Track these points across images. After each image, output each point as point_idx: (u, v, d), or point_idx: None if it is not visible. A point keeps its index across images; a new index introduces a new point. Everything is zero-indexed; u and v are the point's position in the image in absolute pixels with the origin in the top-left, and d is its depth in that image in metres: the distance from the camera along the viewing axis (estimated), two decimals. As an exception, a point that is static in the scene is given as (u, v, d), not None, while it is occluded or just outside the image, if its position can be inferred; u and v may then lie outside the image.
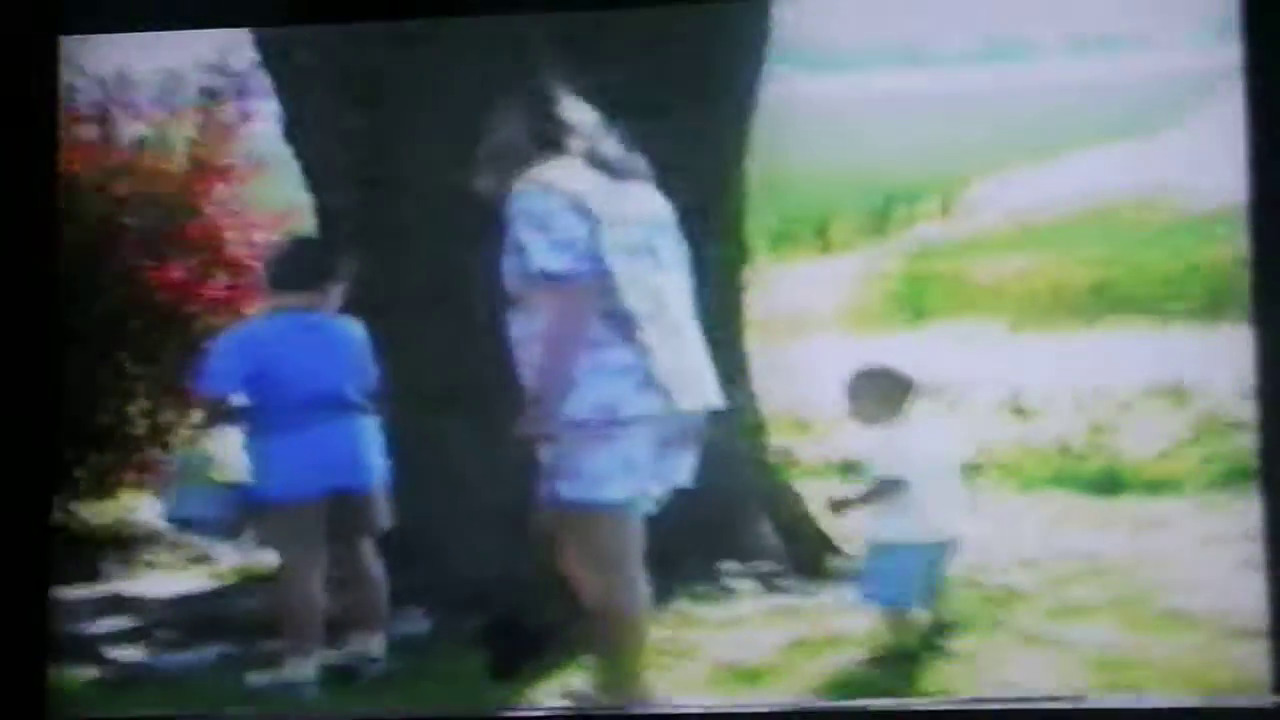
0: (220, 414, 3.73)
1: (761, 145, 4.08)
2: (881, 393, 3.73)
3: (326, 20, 3.80)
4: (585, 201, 3.29)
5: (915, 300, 4.74)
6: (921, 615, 3.70)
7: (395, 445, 3.79)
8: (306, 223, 4.06)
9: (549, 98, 3.47)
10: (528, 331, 3.34)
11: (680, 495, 3.51)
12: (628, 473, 3.28)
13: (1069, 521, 4.16)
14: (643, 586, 3.35)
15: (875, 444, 3.71)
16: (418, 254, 3.97)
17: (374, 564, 3.77)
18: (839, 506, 3.78)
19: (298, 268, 3.78)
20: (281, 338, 3.71)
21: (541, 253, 3.26)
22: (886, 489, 3.65)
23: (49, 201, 3.66)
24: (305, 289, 3.73)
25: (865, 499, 3.69)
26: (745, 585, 3.99)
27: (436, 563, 3.90)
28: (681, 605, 3.86)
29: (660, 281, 3.37)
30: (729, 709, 3.36)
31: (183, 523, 3.80)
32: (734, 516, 4.09)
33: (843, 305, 4.75)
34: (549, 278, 3.26)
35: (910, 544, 3.66)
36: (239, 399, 3.70)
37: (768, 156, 4.08)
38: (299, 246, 3.97)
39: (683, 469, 3.45)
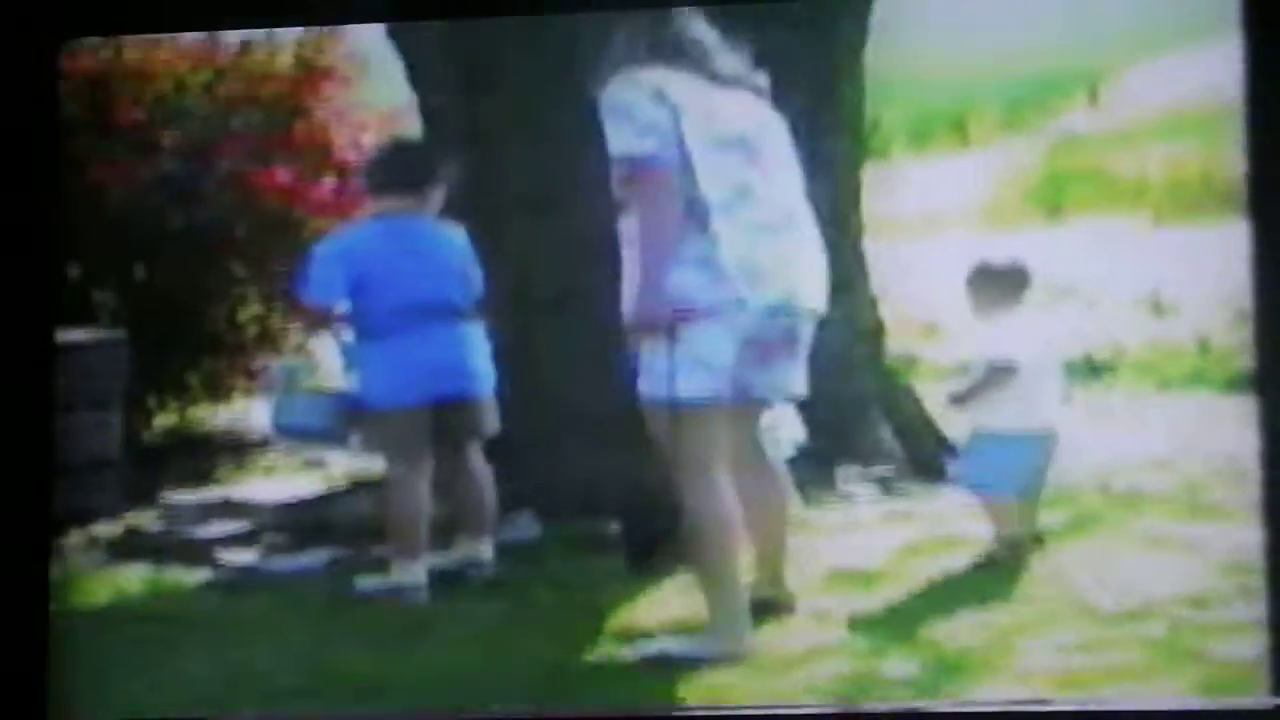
0: (324, 322, 3.72)
1: (896, 38, 3.95)
2: (998, 286, 3.66)
3: (327, 21, 3.76)
4: (667, 92, 3.23)
5: (1054, 195, 4.60)
6: (1025, 508, 3.62)
7: (503, 350, 3.75)
8: (413, 124, 4.00)
9: (669, 13, 3.40)
10: (628, 231, 3.28)
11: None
12: (703, 371, 3.21)
13: (1206, 422, 4.01)
14: (726, 491, 3.27)
15: (988, 335, 3.65)
16: (522, 156, 3.91)
17: (481, 469, 3.74)
18: (958, 399, 3.69)
19: (398, 172, 3.75)
20: (383, 243, 3.68)
21: (623, 139, 3.19)
22: (997, 375, 3.60)
23: (51, 202, 3.64)
24: (406, 193, 3.70)
25: (979, 387, 3.61)
26: (862, 490, 3.91)
27: (547, 467, 3.86)
28: (797, 510, 3.78)
29: (751, 177, 3.28)
30: (730, 711, 3.28)
31: (288, 431, 3.81)
32: (852, 420, 4.00)
33: (978, 202, 4.63)
34: (629, 161, 3.21)
35: (1013, 432, 3.60)
36: (342, 306, 3.68)
37: (902, 49, 3.95)
38: (399, 150, 3.92)
39: (788, 378, 3.37)
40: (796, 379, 3.40)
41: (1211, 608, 3.34)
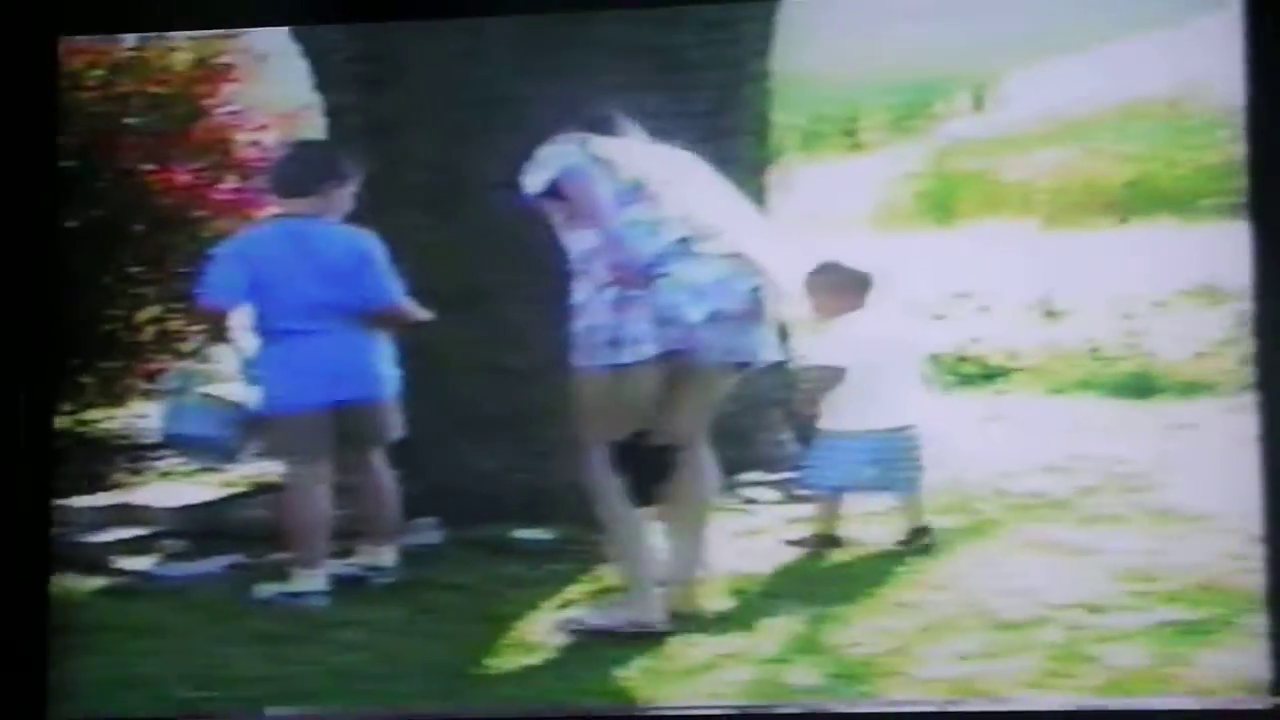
0: (222, 328, 3.64)
1: (789, 43, 3.97)
2: (838, 288, 3.73)
3: (331, 21, 3.73)
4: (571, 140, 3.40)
5: (944, 199, 4.65)
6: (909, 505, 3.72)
7: (407, 352, 3.71)
8: (315, 123, 3.96)
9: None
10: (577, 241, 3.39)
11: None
12: (672, 327, 3.30)
13: (1098, 426, 4.08)
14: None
15: (826, 337, 3.77)
16: (425, 154, 3.88)
17: (385, 474, 3.71)
18: (806, 405, 3.77)
19: (300, 173, 3.67)
20: (284, 246, 3.61)
21: (536, 180, 3.37)
22: (825, 378, 3.69)
23: (53, 203, 3.57)
24: (309, 194, 3.63)
25: (816, 391, 3.71)
26: (765, 495, 3.94)
27: (450, 472, 3.85)
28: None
29: (677, 168, 3.38)
30: (721, 710, 3.30)
31: (179, 440, 3.74)
32: (755, 425, 4.02)
33: (871, 205, 4.66)
34: (548, 191, 3.35)
35: (850, 433, 3.69)
36: (241, 309, 3.61)
37: (796, 55, 3.97)
38: (301, 151, 3.87)
39: (759, 342, 3.43)
40: (768, 343, 3.45)
41: (1107, 613, 3.39)
